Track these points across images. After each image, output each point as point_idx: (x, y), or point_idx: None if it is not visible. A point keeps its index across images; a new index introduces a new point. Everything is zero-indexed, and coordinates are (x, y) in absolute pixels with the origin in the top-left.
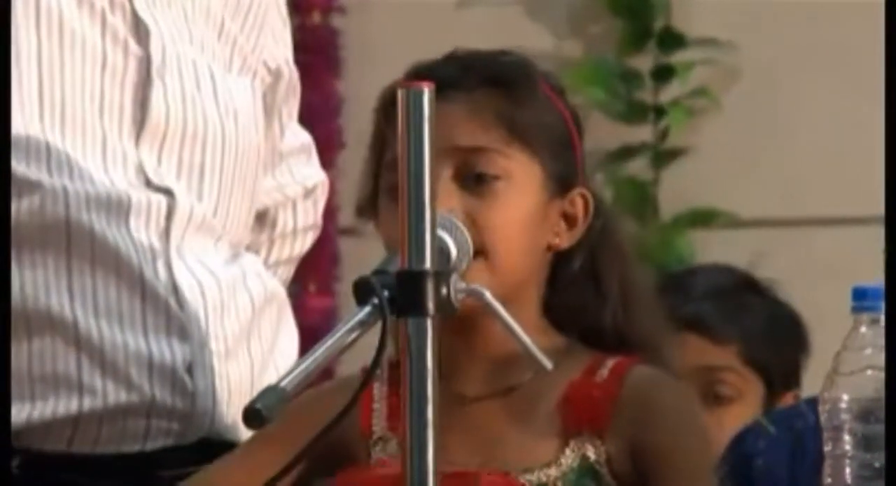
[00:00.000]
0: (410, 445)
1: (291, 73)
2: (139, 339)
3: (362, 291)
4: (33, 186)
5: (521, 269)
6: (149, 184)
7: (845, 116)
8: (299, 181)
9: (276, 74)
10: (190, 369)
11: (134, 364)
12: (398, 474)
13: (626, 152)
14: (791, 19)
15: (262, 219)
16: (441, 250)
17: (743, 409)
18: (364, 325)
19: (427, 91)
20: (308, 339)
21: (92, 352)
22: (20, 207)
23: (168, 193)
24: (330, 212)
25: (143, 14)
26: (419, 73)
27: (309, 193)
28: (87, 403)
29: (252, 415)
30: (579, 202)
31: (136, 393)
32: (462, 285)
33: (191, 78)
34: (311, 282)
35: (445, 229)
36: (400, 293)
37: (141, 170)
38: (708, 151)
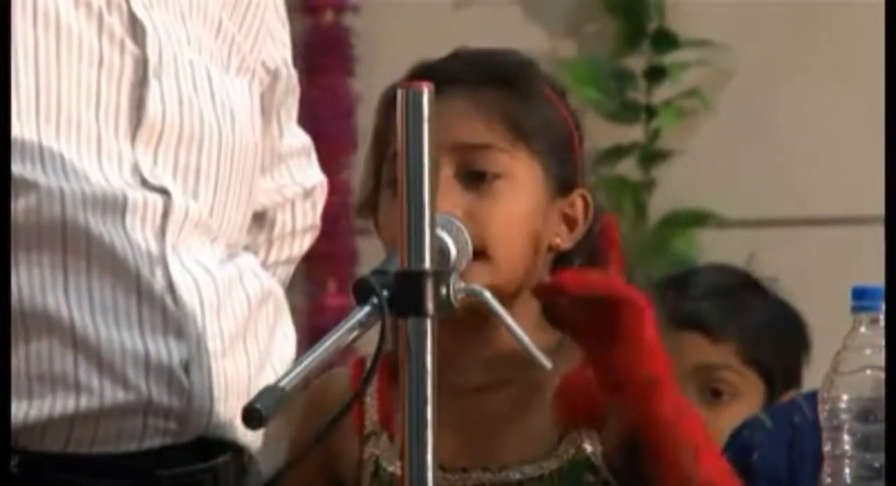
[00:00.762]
0: (410, 445)
1: (290, 74)
2: (135, 338)
3: (362, 290)
4: (29, 186)
5: (521, 269)
6: (145, 183)
7: (837, 117)
8: (298, 182)
9: (275, 75)
10: (186, 368)
11: (130, 363)
12: None
13: (617, 152)
14: (785, 21)
15: (261, 220)
16: (441, 250)
17: (742, 407)
18: (363, 325)
19: (426, 91)
20: None
21: (88, 351)
22: (16, 207)
23: (164, 192)
24: (348, 211)
25: (140, 14)
26: (423, 70)
27: (308, 194)
28: (84, 402)
29: (251, 415)
30: (579, 203)
31: (133, 392)
32: (462, 284)
33: (188, 78)
34: (330, 281)
35: (445, 229)
36: (399, 293)
37: (137, 169)
38: (698, 152)
